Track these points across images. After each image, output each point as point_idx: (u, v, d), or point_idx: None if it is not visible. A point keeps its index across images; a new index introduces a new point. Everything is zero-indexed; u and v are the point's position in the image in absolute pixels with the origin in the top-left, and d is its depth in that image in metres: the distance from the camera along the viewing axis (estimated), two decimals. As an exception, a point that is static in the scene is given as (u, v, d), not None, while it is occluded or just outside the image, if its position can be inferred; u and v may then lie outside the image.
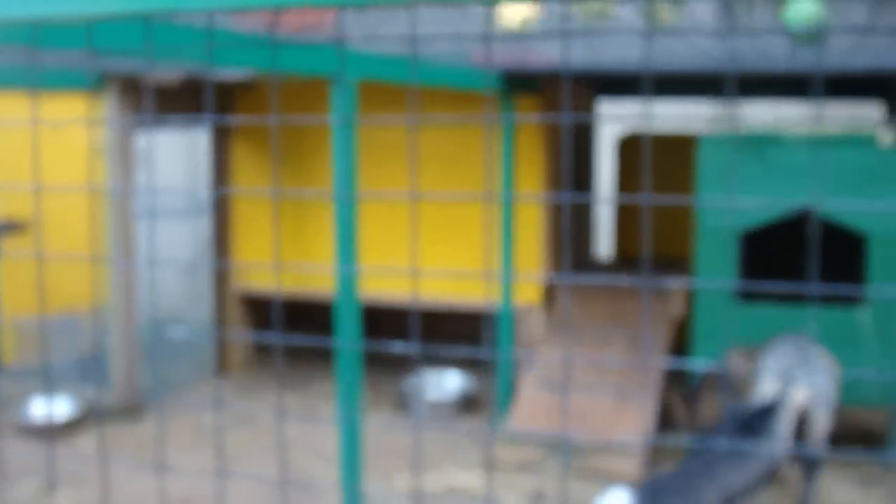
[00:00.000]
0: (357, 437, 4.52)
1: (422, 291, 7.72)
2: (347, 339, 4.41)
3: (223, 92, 8.03)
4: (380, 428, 6.87)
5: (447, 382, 7.55)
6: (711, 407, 6.03)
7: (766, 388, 5.15)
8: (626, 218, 9.29)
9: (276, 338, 8.24)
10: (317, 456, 6.33)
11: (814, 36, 3.46)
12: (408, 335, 8.39)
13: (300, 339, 3.91)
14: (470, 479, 6.05)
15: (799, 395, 5.08)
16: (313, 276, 8.05)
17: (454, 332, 8.81)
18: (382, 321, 8.60)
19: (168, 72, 6.99)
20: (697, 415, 6.13)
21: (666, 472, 5.33)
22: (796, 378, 5.15)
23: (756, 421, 5.01)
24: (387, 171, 7.67)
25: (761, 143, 6.37)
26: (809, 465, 5.31)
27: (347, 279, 4.33)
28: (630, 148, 9.14)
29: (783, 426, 4.98)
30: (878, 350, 6.17)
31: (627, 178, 9.19)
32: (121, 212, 7.13)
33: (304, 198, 8.01)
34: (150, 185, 7.63)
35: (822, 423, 5.18)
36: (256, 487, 5.80)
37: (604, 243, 10.23)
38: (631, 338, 7.10)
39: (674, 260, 8.07)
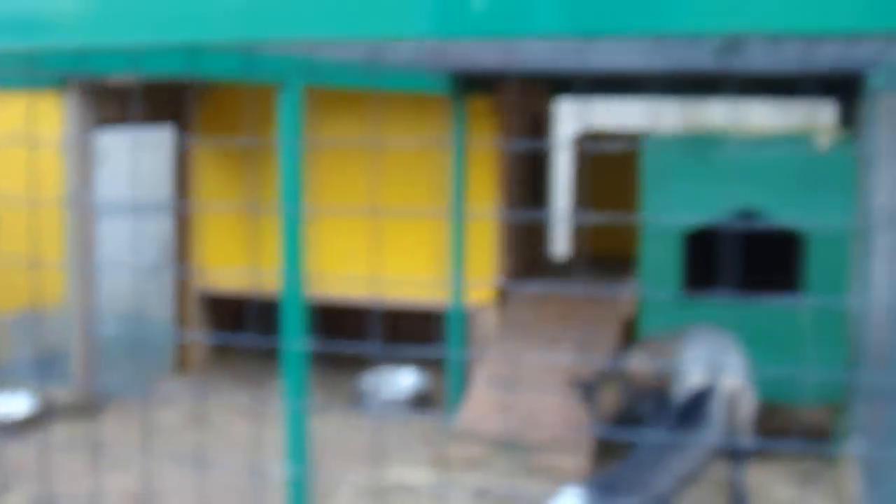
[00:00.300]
0: (304, 434, 4.63)
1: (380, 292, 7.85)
2: (293, 338, 4.52)
3: (185, 93, 8.12)
4: (333, 425, 6.99)
5: (402, 380, 7.67)
6: (610, 401, 6.21)
7: (694, 377, 5.32)
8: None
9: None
10: (272, 453, 6.43)
11: (731, 47, 3.59)
12: (370, 335, 8.53)
13: (233, 338, 4.02)
14: (419, 475, 6.17)
15: (729, 382, 5.25)
16: (272, 277, 8.16)
17: (414, 332, 8.91)
18: (346, 321, 8.80)
19: (127, 73, 7.07)
20: (597, 408, 6.29)
21: (616, 466, 5.48)
22: (724, 365, 5.33)
23: (693, 409, 5.17)
24: (339, 169, 7.82)
25: (704, 145, 6.53)
26: (739, 452, 5.46)
27: (294, 279, 4.43)
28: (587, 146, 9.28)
29: (718, 412, 5.14)
30: (817, 348, 6.35)
31: (584, 176, 9.33)
32: (79, 211, 7.21)
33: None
34: (109, 184, 7.69)
35: (749, 408, 5.36)
36: (209, 485, 5.90)
37: (560, 242, 10.39)
38: (580, 338, 7.24)
39: (631, 259, 8.20)
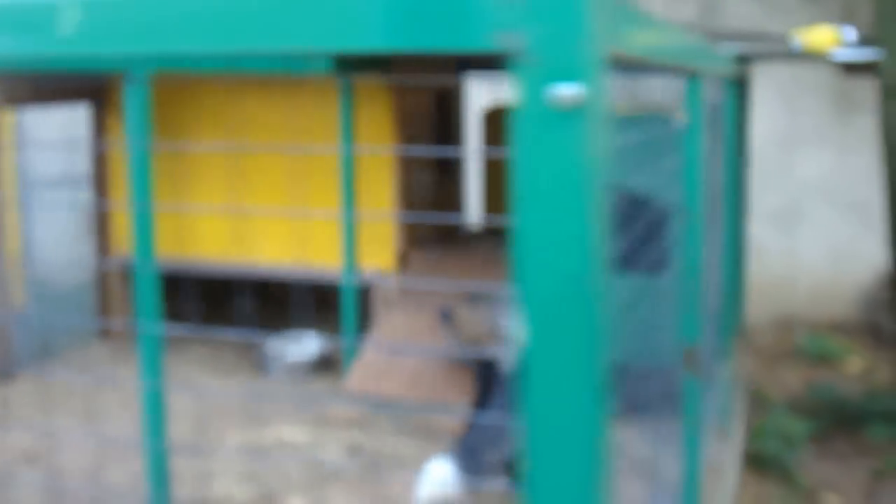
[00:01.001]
0: (160, 396, 5.02)
1: (284, 260, 8.24)
2: (146, 307, 4.87)
3: (97, 73, 8.45)
4: (235, 389, 7.42)
5: (306, 345, 8.07)
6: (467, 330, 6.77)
7: (520, 333, 5.72)
8: (494, 188, 9.78)
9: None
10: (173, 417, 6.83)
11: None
12: (297, 303, 8.91)
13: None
14: (299, 434, 6.61)
15: None
16: (193, 243, 8.54)
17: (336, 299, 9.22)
18: (275, 291, 9.22)
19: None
20: (455, 333, 6.86)
21: (474, 425, 5.86)
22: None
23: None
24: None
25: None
26: None
27: (145, 248, 4.75)
28: (495, 120, 9.62)
29: None
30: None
31: (493, 149, 9.67)
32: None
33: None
34: (24, 156, 8.06)
35: None
36: (108, 445, 6.31)
37: (473, 213, 10.76)
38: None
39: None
